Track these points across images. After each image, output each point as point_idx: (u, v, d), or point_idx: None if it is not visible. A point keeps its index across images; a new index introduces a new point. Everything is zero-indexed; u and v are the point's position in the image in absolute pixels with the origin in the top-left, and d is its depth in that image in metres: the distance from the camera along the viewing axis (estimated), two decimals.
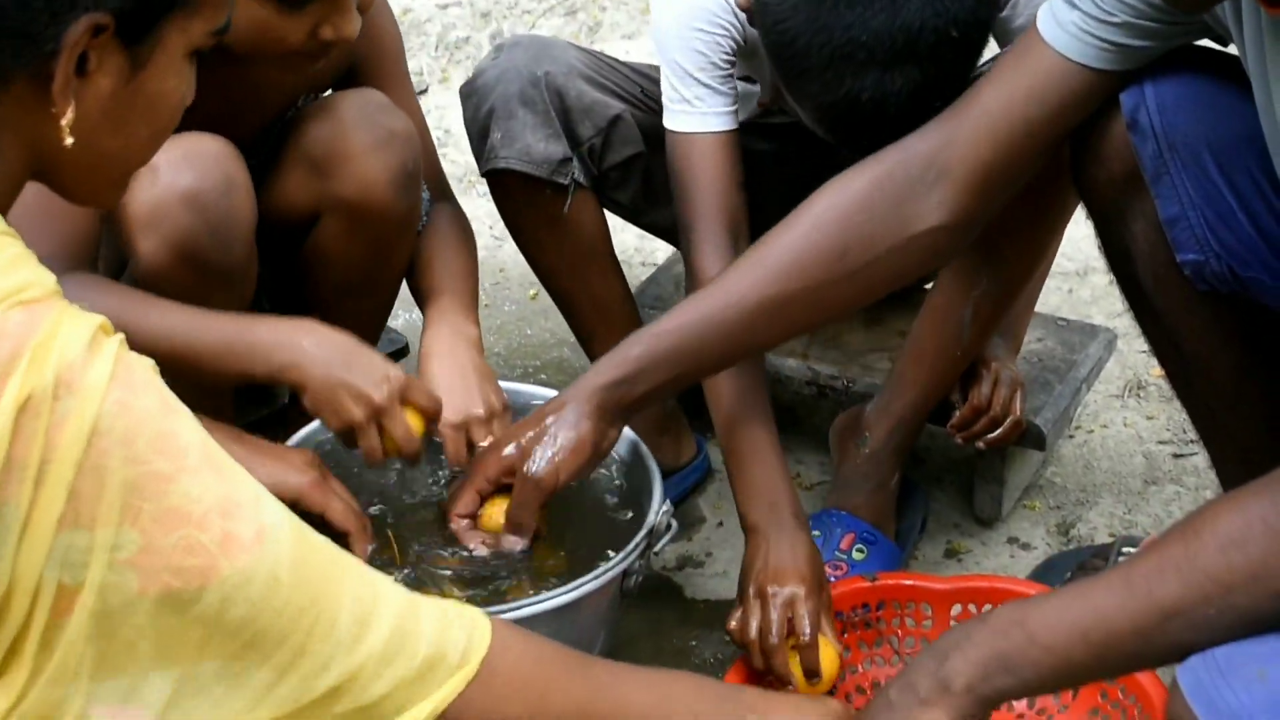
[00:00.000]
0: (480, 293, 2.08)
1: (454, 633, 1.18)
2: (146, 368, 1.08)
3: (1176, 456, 2.29)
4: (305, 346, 1.63)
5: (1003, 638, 1.29)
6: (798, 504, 1.78)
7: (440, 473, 1.81)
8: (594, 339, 2.14)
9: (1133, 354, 2.48)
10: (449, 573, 1.69)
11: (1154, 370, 2.44)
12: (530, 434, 1.65)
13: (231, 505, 1.08)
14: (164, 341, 1.61)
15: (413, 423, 1.65)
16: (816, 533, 1.96)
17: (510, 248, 2.88)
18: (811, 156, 1.97)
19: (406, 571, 1.67)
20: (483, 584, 1.67)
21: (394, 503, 1.79)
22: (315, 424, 1.83)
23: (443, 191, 2.08)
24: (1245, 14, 1.37)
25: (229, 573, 1.06)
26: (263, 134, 1.93)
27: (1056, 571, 1.98)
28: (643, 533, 1.69)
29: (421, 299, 1.96)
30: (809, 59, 1.65)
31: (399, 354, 2.31)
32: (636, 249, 2.85)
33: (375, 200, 1.85)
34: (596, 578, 1.62)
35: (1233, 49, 1.45)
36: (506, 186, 2.06)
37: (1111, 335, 2.29)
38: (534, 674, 1.22)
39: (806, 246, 1.63)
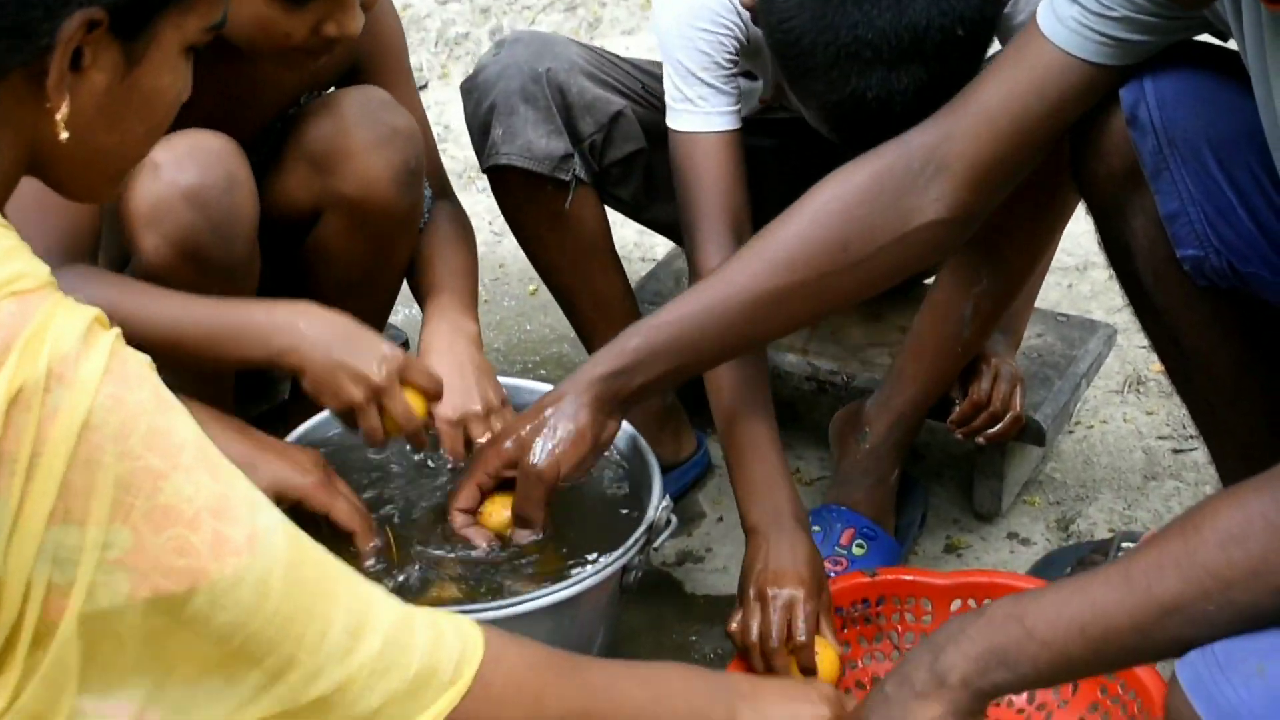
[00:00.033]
0: (480, 288, 2.08)
1: (447, 646, 1.16)
2: (142, 363, 1.07)
3: (1176, 452, 2.29)
4: (303, 329, 1.62)
5: (1000, 632, 1.29)
6: (798, 505, 1.78)
7: (441, 478, 1.80)
8: (595, 335, 2.14)
9: (1132, 349, 2.48)
10: (449, 570, 1.69)
11: (1154, 366, 2.44)
12: (529, 427, 1.65)
13: (225, 506, 1.06)
14: (162, 329, 1.62)
15: (414, 403, 1.65)
16: (816, 528, 1.97)
17: (510, 243, 2.88)
18: (812, 152, 1.96)
19: (408, 572, 1.67)
20: (482, 581, 1.67)
21: (394, 499, 1.79)
22: (314, 420, 1.84)
23: (443, 189, 2.08)
24: (1245, 10, 1.37)
25: (218, 576, 1.05)
26: (265, 131, 1.93)
27: (1056, 567, 1.98)
28: (642, 528, 1.69)
29: (421, 296, 1.96)
30: (814, 57, 1.64)
31: None
32: (636, 244, 2.85)
33: (377, 197, 1.85)
34: (596, 573, 1.62)
35: (1232, 44, 1.45)
36: (508, 183, 2.06)
37: (1111, 330, 2.29)
38: (528, 682, 1.21)
39: (807, 239, 1.63)
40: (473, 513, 1.69)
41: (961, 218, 1.62)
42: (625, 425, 1.76)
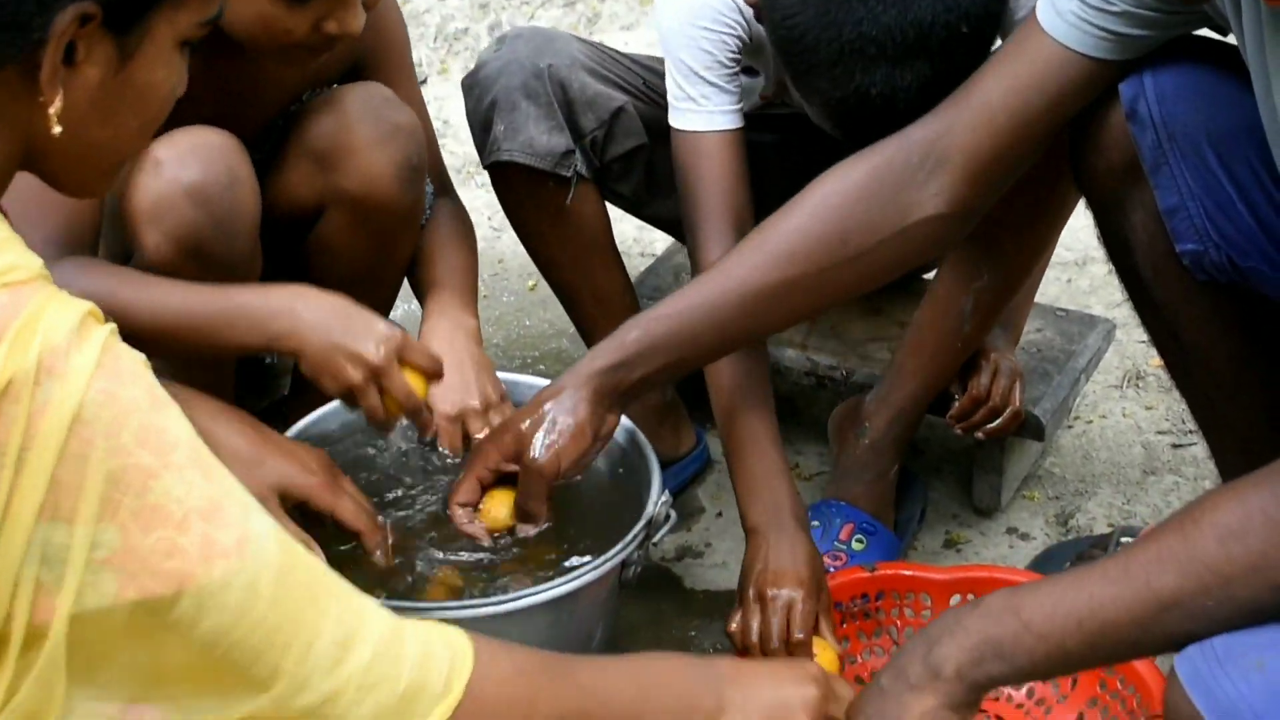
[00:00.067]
0: (479, 284, 2.08)
1: (436, 658, 1.15)
2: (137, 360, 1.06)
3: (1175, 447, 2.29)
4: (300, 312, 1.62)
5: (995, 624, 1.29)
6: (798, 504, 1.79)
7: (444, 476, 1.80)
8: (595, 330, 2.14)
9: (1131, 344, 2.48)
10: (449, 566, 1.69)
11: (1153, 360, 2.44)
12: (529, 421, 1.65)
13: (215, 509, 1.05)
14: (160, 317, 1.62)
15: (414, 383, 1.64)
16: (816, 523, 1.97)
17: (509, 239, 2.88)
18: (813, 148, 1.96)
19: (408, 568, 1.67)
20: (482, 576, 1.68)
21: (396, 495, 1.79)
22: (314, 415, 1.84)
23: (444, 186, 2.09)
24: (1244, 5, 1.37)
25: (206, 580, 1.03)
26: (267, 128, 1.93)
27: (1055, 562, 1.99)
28: (641, 523, 1.69)
29: (422, 292, 1.96)
30: (818, 54, 1.64)
31: None
32: (635, 239, 2.84)
33: (379, 194, 1.86)
34: (595, 568, 1.62)
35: (1232, 39, 1.45)
36: (509, 179, 2.06)
37: (1110, 325, 2.29)
38: (520, 690, 1.19)
39: (807, 233, 1.63)
40: (472, 507, 1.69)
41: (961, 212, 1.61)
42: (624, 420, 1.75)
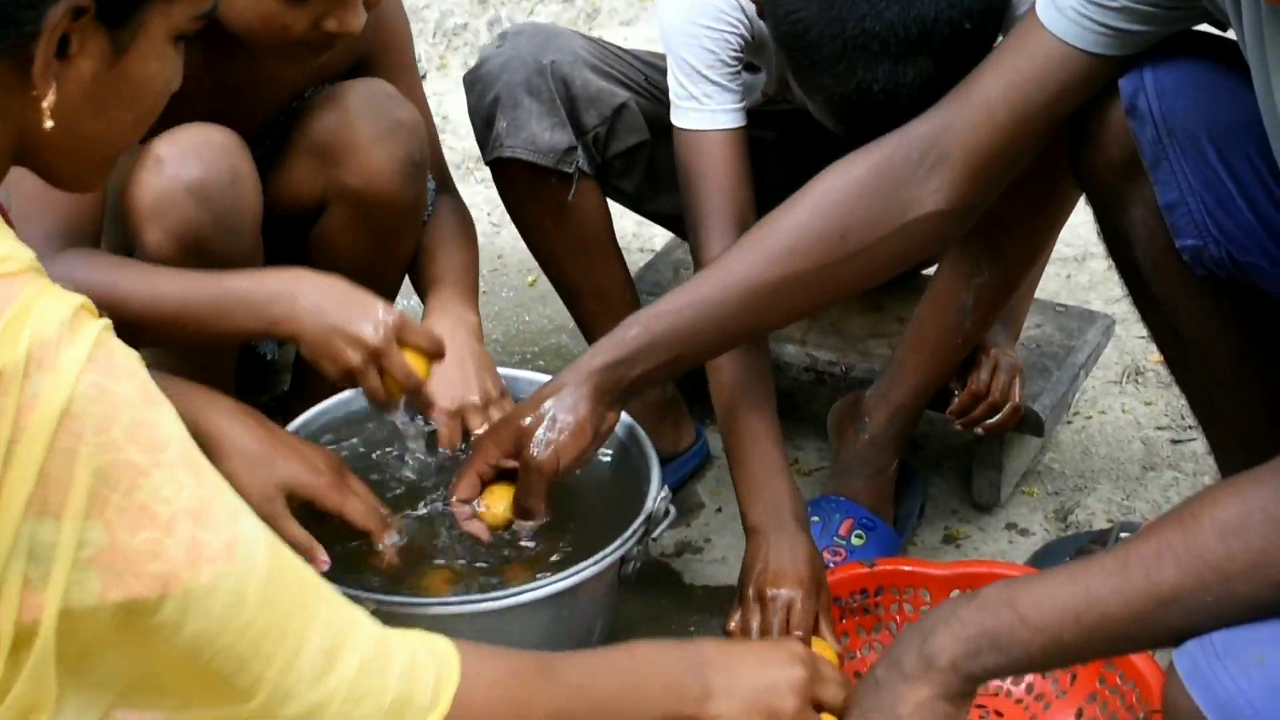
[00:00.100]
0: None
1: (423, 670, 1.13)
2: (131, 356, 1.05)
3: (1175, 442, 2.29)
4: (297, 296, 1.61)
5: (991, 616, 1.29)
6: (799, 503, 1.79)
7: (440, 471, 1.81)
8: (595, 326, 2.14)
9: (1131, 340, 2.48)
10: (448, 561, 1.69)
11: (1152, 356, 2.44)
12: (529, 418, 1.65)
13: (205, 511, 1.04)
14: (160, 305, 1.62)
15: (415, 364, 1.63)
16: (815, 519, 1.97)
17: (508, 234, 2.88)
18: (814, 144, 1.96)
19: (407, 562, 1.67)
20: (482, 572, 1.68)
21: (392, 489, 1.79)
22: (314, 410, 1.84)
23: (445, 182, 2.09)
24: (1244, 1, 1.37)
25: (192, 583, 1.02)
26: (269, 124, 1.93)
27: (1055, 557, 1.99)
28: (641, 519, 1.69)
29: (423, 288, 1.96)
30: (821, 50, 1.64)
31: None
32: (635, 235, 2.84)
33: (381, 190, 1.86)
34: (595, 564, 1.62)
35: (1231, 34, 1.45)
36: (511, 175, 2.06)
37: (1110, 321, 2.29)
38: (508, 695, 1.18)
39: (807, 229, 1.63)
40: (473, 502, 1.69)
41: (961, 208, 1.61)
42: (624, 415, 1.76)
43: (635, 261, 2.52)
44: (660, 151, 2.04)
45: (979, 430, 2.04)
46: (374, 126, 1.84)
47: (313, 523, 1.60)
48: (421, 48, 3.63)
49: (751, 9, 1.86)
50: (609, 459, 1.83)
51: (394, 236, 1.93)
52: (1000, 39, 1.64)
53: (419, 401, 1.67)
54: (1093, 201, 1.67)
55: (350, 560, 1.64)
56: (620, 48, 2.13)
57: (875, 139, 1.63)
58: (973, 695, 1.33)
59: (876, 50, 1.61)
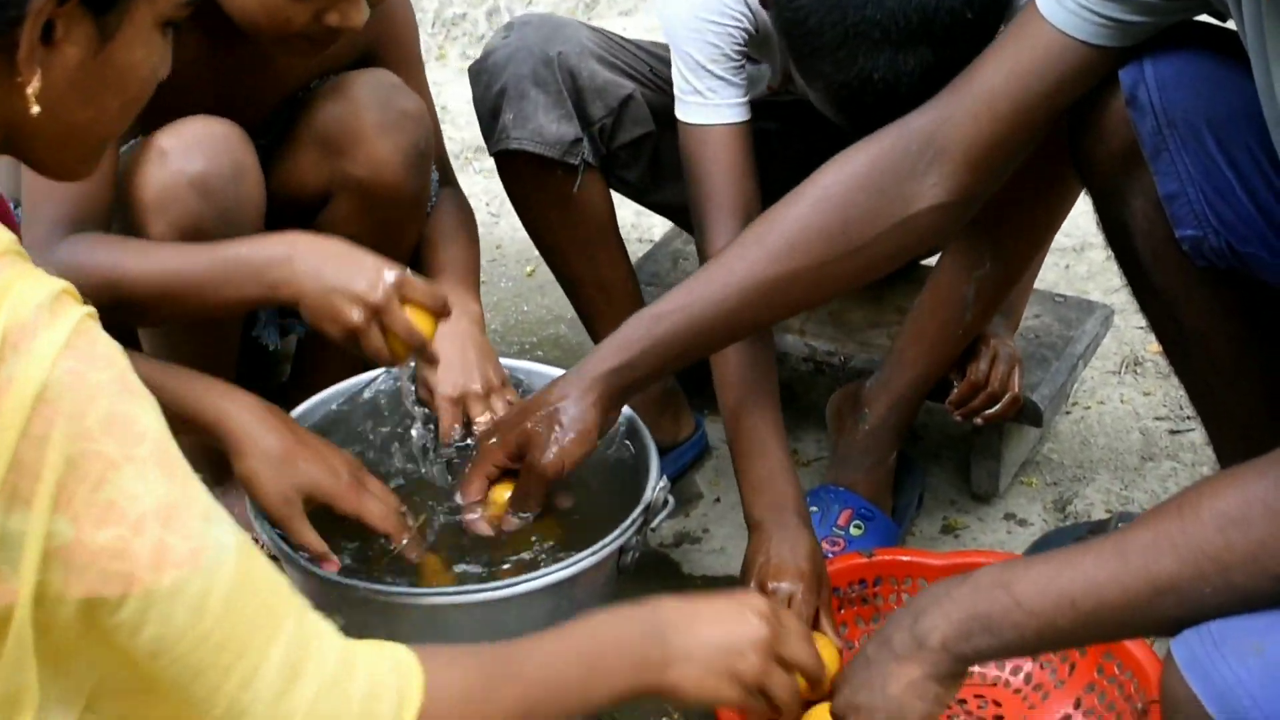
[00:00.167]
0: None
1: (385, 689, 1.09)
2: (111, 345, 1.02)
3: (1173, 433, 2.29)
4: (295, 259, 1.59)
5: (985, 598, 1.29)
6: (801, 501, 1.80)
7: (442, 477, 1.81)
8: (597, 318, 2.15)
9: (1130, 330, 2.48)
10: (447, 553, 1.69)
11: (1151, 346, 2.45)
12: (534, 423, 1.66)
13: (174, 514, 1.01)
14: (161, 279, 1.62)
15: (419, 322, 1.60)
16: (814, 509, 1.97)
17: (506, 225, 2.88)
18: (816, 136, 1.96)
19: (407, 556, 1.67)
20: (478, 562, 1.68)
21: (392, 481, 1.79)
22: (314, 400, 1.84)
23: (446, 175, 2.09)
24: None
25: (153, 586, 0.99)
26: (274, 114, 1.93)
27: (1053, 547, 1.97)
28: (640, 509, 1.69)
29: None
30: (821, 37, 1.63)
31: None
32: (634, 225, 2.84)
33: (386, 180, 1.86)
34: (593, 554, 1.62)
35: (1232, 25, 1.45)
36: (517, 167, 2.06)
37: (1108, 311, 2.29)
38: (469, 708, 1.15)
39: (807, 225, 1.63)
40: (479, 502, 1.70)
41: (961, 201, 1.61)
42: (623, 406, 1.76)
43: (634, 252, 2.51)
44: (665, 142, 2.04)
45: (978, 420, 2.04)
46: (380, 117, 1.84)
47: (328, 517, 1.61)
48: (420, 38, 3.63)
49: (754, 3, 1.86)
50: (609, 452, 1.83)
51: (398, 227, 1.93)
52: (1002, 29, 1.64)
53: (423, 358, 1.64)
54: (1092, 192, 1.67)
55: (359, 554, 1.66)
56: (625, 38, 2.13)
57: (876, 129, 1.63)
58: (963, 676, 1.33)
59: (877, 38, 1.60)
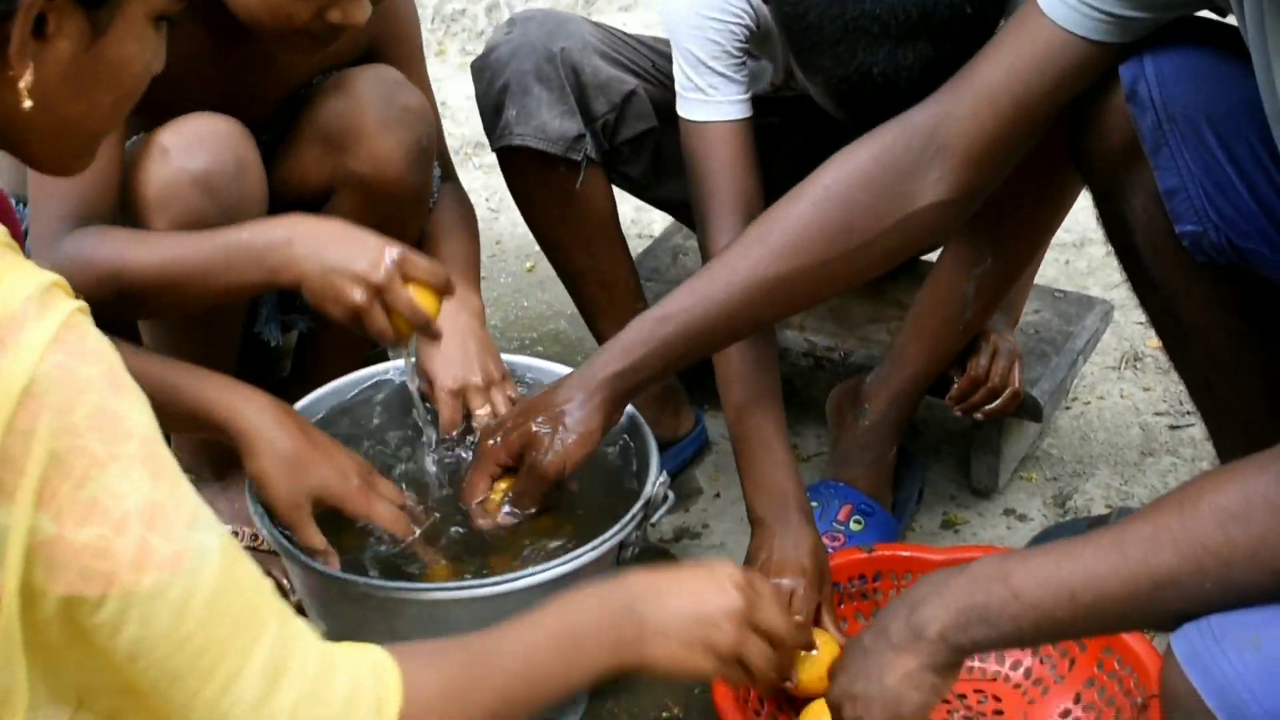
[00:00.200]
0: None
1: (364, 695, 1.08)
2: (102, 340, 1.01)
3: (1173, 428, 2.30)
4: (294, 242, 1.60)
5: (983, 590, 1.29)
6: (804, 498, 1.80)
7: (444, 474, 1.81)
8: (598, 314, 2.15)
9: (1129, 325, 2.49)
10: (446, 547, 1.70)
11: (1150, 342, 2.45)
12: (537, 425, 1.66)
13: (158, 515, 0.99)
14: (164, 268, 1.62)
15: (422, 300, 1.60)
16: (814, 504, 1.97)
17: (506, 220, 2.89)
18: (817, 130, 1.96)
19: (405, 549, 1.68)
20: (477, 557, 1.68)
21: (390, 475, 1.79)
22: (314, 395, 1.84)
23: (447, 171, 2.09)
24: None
25: (133, 587, 0.98)
26: (277, 110, 1.93)
27: None
28: (639, 504, 1.69)
29: None
30: (821, 31, 1.63)
31: None
32: (633, 220, 2.84)
33: (389, 176, 1.86)
34: (593, 549, 1.62)
35: (1232, 20, 1.45)
36: (519, 163, 2.06)
37: (1108, 307, 2.29)
38: (450, 697, 1.14)
39: (809, 223, 1.63)
40: (483, 501, 1.71)
41: (962, 197, 1.61)
42: None
43: (634, 247, 2.51)
44: (667, 138, 2.04)
45: (978, 415, 2.04)
46: (382, 113, 1.84)
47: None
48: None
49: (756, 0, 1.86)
50: (610, 449, 1.83)
51: (400, 223, 1.92)
52: (1002, 23, 1.64)
53: (426, 334, 1.64)
54: (1093, 188, 1.67)
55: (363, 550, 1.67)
56: (627, 33, 2.13)
57: (876, 123, 1.63)
58: (959, 667, 1.33)
59: (877, 33, 1.60)
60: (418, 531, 1.67)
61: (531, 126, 1.99)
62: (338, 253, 1.58)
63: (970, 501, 2.18)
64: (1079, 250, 2.73)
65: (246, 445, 1.60)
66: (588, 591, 1.27)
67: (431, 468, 1.78)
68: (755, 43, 1.94)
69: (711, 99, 1.90)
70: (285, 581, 1.88)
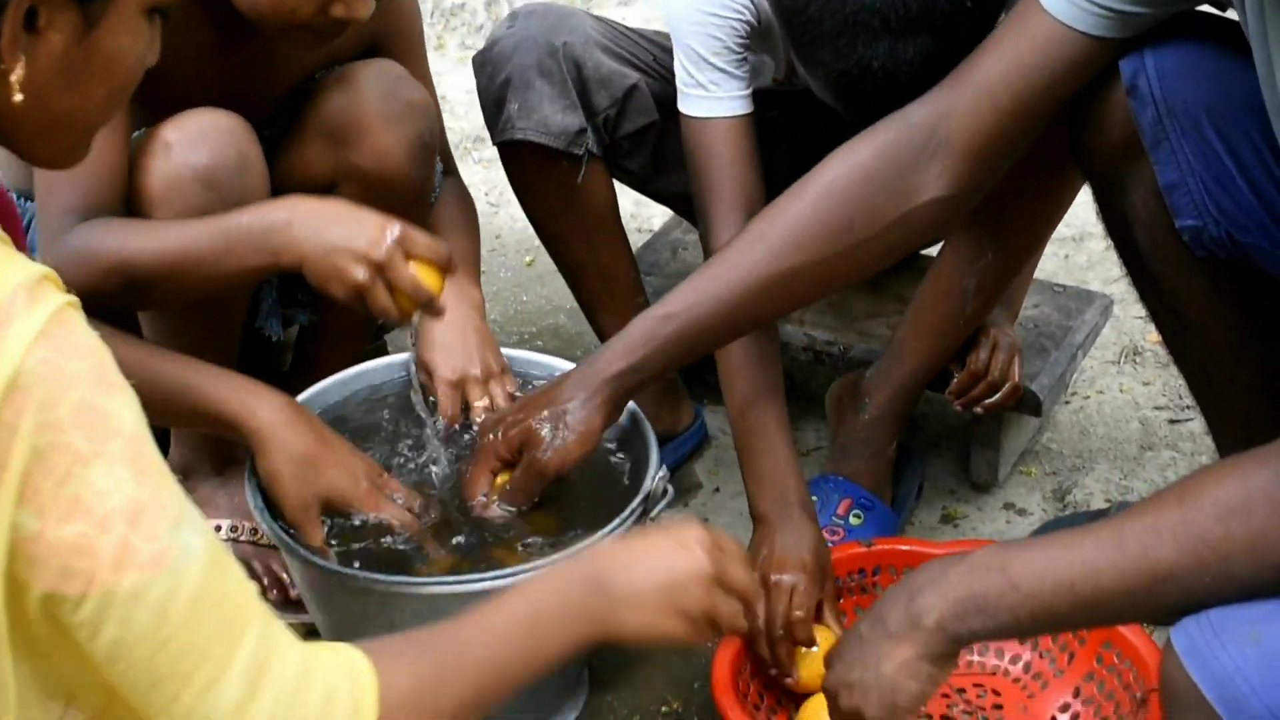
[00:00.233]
0: None
1: (340, 698, 1.07)
2: (91, 336, 1.00)
3: (1172, 422, 2.30)
4: (294, 224, 1.60)
5: (981, 580, 1.29)
6: (806, 495, 1.80)
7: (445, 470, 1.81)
8: (599, 308, 2.15)
9: (1129, 320, 2.49)
10: (445, 542, 1.70)
11: (1150, 336, 2.45)
12: (538, 423, 1.67)
13: (141, 514, 0.98)
14: (168, 256, 1.62)
15: (425, 277, 1.59)
16: (814, 498, 1.97)
17: (506, 215, 2.89)
18: (818, 124, 1.96)
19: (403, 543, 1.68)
20: (475, 551, 1.68)
21: (392, 468, 1.79)
22: (315, 389, 1.84)
23: (449, 166, 2.09)
24: None
25: (113, 587, 0.97)
26: (279, 105, 1.93)
27: None
28: (639, 498, 1.69)
29: None
30: (821, 25, 1.63)
31: None
32: (633, 214, 2.84)
33: (391, 171, 1.86)
34: (593, 543, 1.62)
35: (1232, 15, 1.45)
36: (521, 157, 2.06)
37: (1108, 301, 2.29)
38: (424, 691, 1.14)
39: (811, 220, 1.63)
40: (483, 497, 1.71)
41: (963, 193, 1.61)
42: None
43: (634, 241, 2.51)
44: (668, 132, 2.04)
45: (978, 410, 2.04)
46: (385, 108, 1.83)
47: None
48: None
49: None
50: (610, 445, 1.83)
51: (402, 217, 1.92)
52: (1002, 17, 1.64)
53: (430, 312, 1.63)
54: (1093, 183, 1.67)
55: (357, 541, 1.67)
56: (628, 27, 2.13)
57: (876, 117, 1.63)
58: (956, 656, 1.33)
59: (877, 27, 1.60)
60: (426, 535, 1.67)
61: (533, 121, 1.99)
62: (338, 232, 1.58)
63: (970, 496, 2.18)
64: (1079, 245, 2.73)
65: (258, 444, 1.60)
66: (554, 570, 1.27)
67: (433, 461, 1.79)
68: (756, 38, 1.94)
69: (713, 95, 1.90)
70: (285, 575, 1.89)
